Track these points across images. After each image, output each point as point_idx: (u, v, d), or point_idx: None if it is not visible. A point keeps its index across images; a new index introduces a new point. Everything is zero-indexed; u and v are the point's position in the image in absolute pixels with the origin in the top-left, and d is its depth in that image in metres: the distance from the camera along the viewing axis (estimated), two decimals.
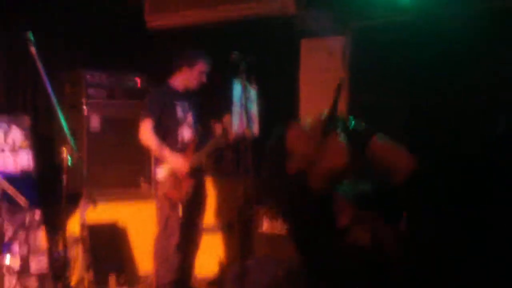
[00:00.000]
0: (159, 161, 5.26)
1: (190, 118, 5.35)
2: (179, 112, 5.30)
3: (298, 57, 6.20)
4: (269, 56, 6.09)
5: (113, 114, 6.24)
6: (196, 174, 5.26)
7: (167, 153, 5.16)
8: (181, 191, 5.14)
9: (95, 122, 6.14)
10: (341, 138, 3.44)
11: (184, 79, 5.35)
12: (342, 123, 3.52)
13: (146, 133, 5.19)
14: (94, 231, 5.74)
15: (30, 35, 4.18)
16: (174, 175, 5.15)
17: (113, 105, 6.27)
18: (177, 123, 5.29)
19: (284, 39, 6.27)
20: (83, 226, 5.71)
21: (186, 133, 5.31)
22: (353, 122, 3.49)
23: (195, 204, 5.30)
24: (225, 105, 5.42)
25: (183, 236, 5.19)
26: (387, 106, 5.21)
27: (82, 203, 5.76)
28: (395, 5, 5.24)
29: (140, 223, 6.13)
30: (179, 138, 5.28)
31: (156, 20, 6.93)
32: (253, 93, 5.98)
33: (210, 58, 5.37)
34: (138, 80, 6.41)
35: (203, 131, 5.44)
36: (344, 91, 5.63)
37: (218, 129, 5.36)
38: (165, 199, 5.15)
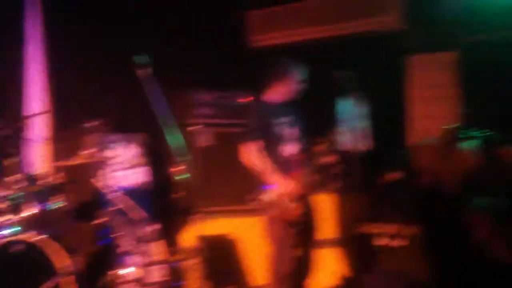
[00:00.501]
0: (267, 182, 5.15)
1: (293, 134, 5.27)
2: (282, 129, 5.22)
3: (406, 73, 6.18)
4: (378, 73, 6.10)
5: (221, 131, 6.38)
6: (305, 191, 5.20)
7: (275, 176, 5.07)
8: (292, 212, 5.09)
9: (204, 140, 6.30)
10: (468, 147, 3.45)
11: (281, 91, 5.26)
12: (467, 134, 3.53)
13: (251, 156, 5.12)
14: (208, 243, 5.87)
15: (139, 59, 4.33)
16: (284, 197, 5.10)
17: (221, 123, 6.41)
18: (281, 141, 5.20)
19: (392, 55, 6.28)
20: (198, 238, 5.87)
21: (290, 150, 5.23)
22: (479, 132, 3.49)
23: (306, 221, 5.25)
24: (333, 122, 5.43)
25: (299, 255, 5.17)
26: (502, 118, 5.13)
27: (196, 216, 5.93)
28: (506, 20, 5.16)
29: (251, 237, 6.22)
30: (284, 157, 5.19)
31: (261, 40, 7.08)
32: (361, 109, 6.01)
33: (303, 66, 5.27)
34: (246, 98, 6.52)
35: (308, 148, 5.37)
36: (457, 105, 5.60)
37: (324, 146, 5.32)
38: (277, 221, 5.10)
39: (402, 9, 6.04)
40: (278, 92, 5.28)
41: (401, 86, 6.31)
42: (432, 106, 5.82)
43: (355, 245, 5.28)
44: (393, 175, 6.15)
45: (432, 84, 5.97)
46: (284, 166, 5.16)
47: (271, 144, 5.18)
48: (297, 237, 5.14)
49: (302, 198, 5.11)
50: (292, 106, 5.33)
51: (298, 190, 5.07)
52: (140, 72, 4.43)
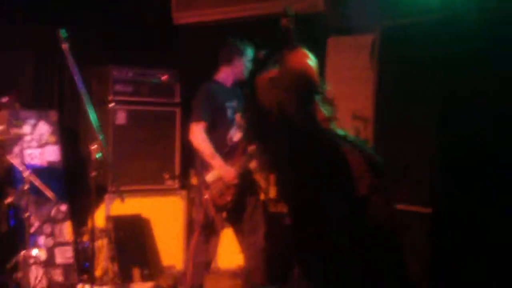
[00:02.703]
0: (207, 165, 5.01)
1: (238, 118, 5.14)
2: (229, 112, 5.11)
3: (325, 54, 6.18)
4: None
5: (139, 109, 6.27)
6: (245, 176, 5.06)
7: (218, 162, 4.95)
8: (228, 198, 4.98)
9: (121, 118, 6.17)
10: None
11: (235, 71, 5.16)
12: None
13: (199, 138, 4.96)
14: (118, 224, 5.80)
15: (63, 32, 4.20)
16: (222, 182, 4.97)
17: (140, 101, 6.29)
18: (227, 125, 5.11)
19: (311, 36, 6.25)
20: (108, 218, 5.77)
21: (235, 134, 5.13)
22: None
23: (244, 205, 5.12)
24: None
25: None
26: (417, 104, 5.18)
27: (107, 196, 5.83)
28: (423, 4, 5.19)
29: (164, 217, 6.20)
30: (228, 140, 5.10)
31: (182, 17, 6.95)
32: None
33: (252, 46, 5.19)
34: (165, 76, 6.41)
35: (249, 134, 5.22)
36: (372, 88, 5.64)
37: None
38: (211, 203, 4.96)
39: None
40: (228, 74, 5.18)
41: (321, 68, 6.31)
42: (347, 88, 5.84)
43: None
44: None
45: (349, 66, 5.98)
46: (227, 151, 5.06)
47: (218, 128, 5.07)
48: (224, 223, 5.09)
49: (240, 185, 4.99)
50: (236, 87, 5.22)
51: (236, 176, 4.98)
52: (61, 46, 4.26)
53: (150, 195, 6.21)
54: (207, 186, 4.98)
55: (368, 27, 5.72)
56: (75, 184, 5.88)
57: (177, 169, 6.35)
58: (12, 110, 5.70)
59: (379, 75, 5.61)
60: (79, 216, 5.78)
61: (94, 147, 4.20)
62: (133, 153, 6.17)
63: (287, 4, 5.95)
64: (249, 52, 5.18)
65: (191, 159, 5.32)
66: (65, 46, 4.21)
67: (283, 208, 5.93)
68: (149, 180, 6.24)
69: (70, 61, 4.18)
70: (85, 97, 4.17)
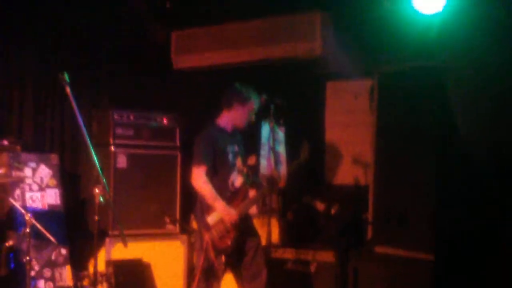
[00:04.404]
0: (209, 207, 4.99)
1: (239, 163, 5.16)
2: (230, 157, 5.10)
3: (324, 99, 6.25)
4: (296, 98, 6.12)
5: (140, 153, 6.27)
6: (244, 221, 5.05)
7: (220, 204, 4.94)
8: (228, 241, 4.96)
9: (121, 161, 6.18)
10: None
11: (235, 117, 5.11)
12: None
13: (200, 181, 4.95)
14: (119, 268, 5.75)
15: (66, 76, 4.23)
16: (224, 224, 4.95)
17: (140, 145, 6.30)
18: (229, 169, 5.10)
19: (310, 81, 6.32)
20: (108, 263, 5.74)
21: (236, 179, 5.13)
22: None
23: (245, 250, 5.10)
24: (256, 147, 5.38)
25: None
26: (414, 149, 5.23)
27: (108, 240, 5.81)
28: (422, 50, 5.28)
29: (164, 262, 6.16)
30: (230, 185, 5.10)
31: (182, 61, 7.02)
32: (281, 134, 6.02)
33: (260, 96, 5.14)
34: (165, 119, 6.44)
35: (252, 180, 5.21)
36: (371, 133, 5.69)
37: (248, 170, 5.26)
38: (211, 245, 4.92)
39: (323, 36, 6.09)
40: (231, 116, 5.14)
41: (319, 112, 6.37)
42: (346, 132, 5.90)
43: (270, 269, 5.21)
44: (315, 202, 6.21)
45: (347, 110, 6.04)
46: (228, 195, 5.06)
47: (219, 172, 5.06)
48: (225, 269, 5.08)
49: (240, 229, 4.98)
50: (236, 132, 5.21)
51: (238, 221, 4.96)
52: (63, 89, 4.30)
53: (151, 240, 6.17)
54: (208, 227, 4.95)
55: (366, 72, 5.80)
56: (75, 227, 5.87)
57: (178, 213, 6.34)
58: (13, 153, 5.72)
59: (378, 119, 5.66)
60: (79, 260, 5.75)
61: (97, 191, 4.18)
62: (133, 197, 6.15)
63: (287, 50, 6.14)
64: (254, 101, 5.11)
65: (191, 204, 5.32)
66: (67, 89, 4.23)
67: (285, 254, 5.92)
68: (149, 225, 6.21)
69: (73, 105, 4.18)
70: (88, 140, 4.17)
